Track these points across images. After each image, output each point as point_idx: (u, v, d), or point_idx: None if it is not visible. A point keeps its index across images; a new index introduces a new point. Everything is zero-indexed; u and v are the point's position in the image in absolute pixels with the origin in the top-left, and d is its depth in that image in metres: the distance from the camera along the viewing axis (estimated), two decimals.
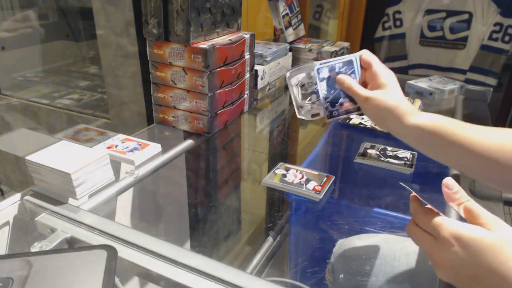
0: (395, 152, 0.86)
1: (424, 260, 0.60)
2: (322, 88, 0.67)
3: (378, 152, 0.86)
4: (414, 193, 0.46)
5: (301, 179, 0.74)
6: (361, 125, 0.97)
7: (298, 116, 0.72)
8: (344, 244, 0.66)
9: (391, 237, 0.66)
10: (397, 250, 0.63)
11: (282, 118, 1.17)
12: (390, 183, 0.82)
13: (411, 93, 1.21)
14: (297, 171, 0.76)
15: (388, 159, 0.83)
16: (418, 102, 1.00)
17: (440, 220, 0.41)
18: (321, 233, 0.73)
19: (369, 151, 0.86)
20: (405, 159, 0.83)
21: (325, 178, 0.74)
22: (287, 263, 0.76)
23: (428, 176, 0.82)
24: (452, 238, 0.39)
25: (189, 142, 0.85)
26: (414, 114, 0.58)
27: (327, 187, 0.71)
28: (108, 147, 0.74)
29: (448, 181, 0.43)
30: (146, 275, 0.47)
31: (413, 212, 0.45)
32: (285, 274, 0.76)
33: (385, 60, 2.20)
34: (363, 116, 1.01)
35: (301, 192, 0.70)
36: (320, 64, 0.67)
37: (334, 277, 0.64)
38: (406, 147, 0.87)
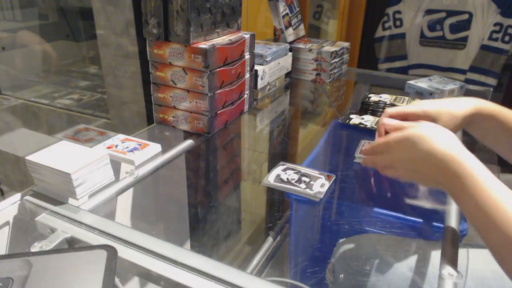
0: None
1: (424, 260, 0.60)
2: None
3: None
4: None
5: (302, 179, 0.74)
6: (361, 125, 0.97)
7: None
8: (344, 244, 0.66)
9: (391, 237, 0.66)
10: (397, 250, 0.63)
11: (282, 118, 1.17)
12: (390, 182, 0.82)
13: (411, 93, 1.21)
14: (297, 171, 0.76)
15: None
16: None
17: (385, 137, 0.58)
18: (321, 233, 0.73)
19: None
20: None
21: (326, 178, 0.74)
22: (287, 263, 0.76)
23: None
24: (392, 141, 0.56)
25: (189, 142, 0.85)
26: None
27: (328, 187, 0.71)
28: (108, 147, 0.74)
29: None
30: (146, 275, 0.47)
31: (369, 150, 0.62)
32: (285, 274, 0.76)
33: (385, 60, 2.20)
34: (363, 116, 1.01)
35: (301, 192, 0.70)
36: None
37: (334, 277, 0.64)
38: None
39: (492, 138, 0.63)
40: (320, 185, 0.71)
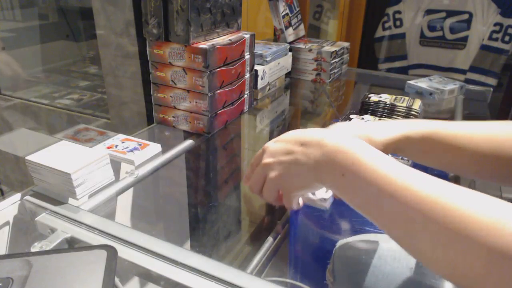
0: None
1: None
2: None
3: None
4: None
5: None
6: None
7: None
8: (345, 244, 0.66)
9: None
10: (397, 250, 0.63)
11: (282, 118, 1.17)
12: None
13: (411, 93, 1.21)
14: None
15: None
16: (418, 102, 1.00)
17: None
18: (321, 233, 0.73)
19: None
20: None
21: None
22: (287, 263, 0.76)
23: (426, 170, 0.82)
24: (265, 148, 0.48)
25: (189, 142, 0.85)
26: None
27: (332, 194, 0.68)
28: (108, 147, 0.74)
29: None
30: (146, 275, 0.47)
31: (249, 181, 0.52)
32: (285, 274, 0.76)
33: (385, 60, 2.20)
34: (363, 116, 1.01)
35: (307, 200, 0.66)
36: None
37: (334, 277, 0.64)
38: None
39: (432, 159, 0.56)
40: (325, 191, 0.68)
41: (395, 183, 0.35)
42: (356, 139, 0.42)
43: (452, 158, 0.53)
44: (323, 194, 0.68)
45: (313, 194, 0.68)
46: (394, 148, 0.53)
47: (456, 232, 0.31)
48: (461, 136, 0.51)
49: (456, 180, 0.71)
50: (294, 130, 0.47)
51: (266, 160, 0.47)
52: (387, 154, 0.49)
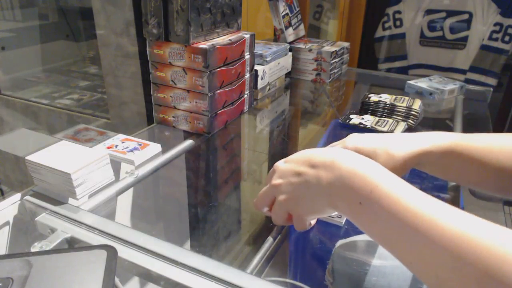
0: None
1: None
2: None
3: None
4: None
5: None
6: (361, 125, 0.97)
7: None
8: (344, 244, 0.66)
9: None
10: None
11: (282, 118, 1.17)
12: None
13: (411, 93, 1.21)
14: None
15: None
16: (418, 102, 1.00)
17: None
18: (321, 233, 0.73)
19: None
20: None
21: None
22: (287, 263, 0.76)
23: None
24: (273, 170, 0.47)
25: (189, 142, 0.85)
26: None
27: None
28: (108, 147, 0.74)
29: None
30: (146, 275, 0.47)
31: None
32: (285, 274, 0.76)
33: (385, 60, 2.21)
34: (363, 116, 1.01)
35: (323, 217, 0.64)
36: None
37: (334, 277, 0.64)
38: None
39: (454, 174, 0.53)
40: None
41: (420, 217, 0.33)
42: (370, 161, 0.39)
43: (475, 173, 0.50)
44: None
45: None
46: (414, 164, 0.50)
47: (490, 275, 0.28)
48: (482, 149, 0.49)
49: (456, 190, 0.70)
50: (304, 150, 0.45)
51: (275, 181, 0.45)
52: (407, 169, 0.50)
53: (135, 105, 1.23)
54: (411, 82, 1.22)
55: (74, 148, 0.62)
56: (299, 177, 0.42)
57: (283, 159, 0.47)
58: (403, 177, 0.38)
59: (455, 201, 0.64)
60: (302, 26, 1.39)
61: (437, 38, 2.05)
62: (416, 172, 0.81)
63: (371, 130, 0.96)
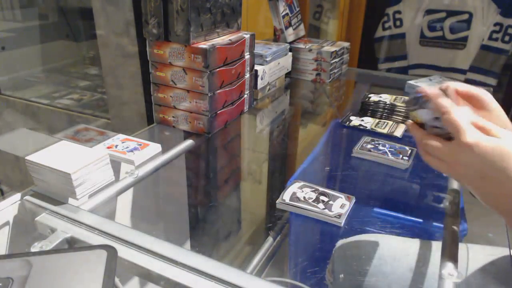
0: (392, 147, 0.86)
1: (424, 260, 0.60)
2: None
3: (375, 146, 0.86)
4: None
5: (320, 198, 0.69)
6: (361, 127, 0.97)
7: None
8: (344, 244, 0.66)
9: (391, 237, 0.66)
10: (397, 251, 0.63)
11: (282, 118, 1.17)
12: (389, 181, 0.82)
13: (411, 93, 1.21)
14: (314, 189, 0.71)
15: (386, 153, 0.83)
16: None
17: (459, 128, 0.46)
18: (321, 233, 0.73)
19: (367, 145, 0.86)
20: (403, 153, 0.83)
21: (346, 198, 0.69)
22: (287, 263, 0.76)
23: (426, 171, 0.82)
24: (473, 144, 0.44)
25: (189, 142, 0.85)
26: None
27: (349, 210, 0.66)
28: (108, 147, 0.74)
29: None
30: (146, 275, 0.47)
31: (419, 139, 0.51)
32: (285, 274, 0.76)
33: (385, 60, 2.20)
34: (363, 118, 1.01)
35: (322, 217, 0.65)
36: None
37: (334, 277, 0.64)
38: (405, 143, 0.87)
39: None
40: (340, 205, 0.66)
41: None
42: None
43: None
44: (339, 210, 0.66)
45: (330, 210, 0.66)
46: None
47: None
48: None
49: (456, 190, 0.71)
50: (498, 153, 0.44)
51: (458, 166, 0.47)
52: None
53: (135, 105, 1.23)
54: (411, 82, 1.22)
55: (74, 148, 0.62)
56: (483, 181, 0.45)
57: (476, 138, 0.45)
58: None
59: (455, 201, 0.64)
60: (302, 26, 1.39)
61: (437, 38, 2.05)
62: (416, 172, 0.81)
63: (371, 132, 0.96)
